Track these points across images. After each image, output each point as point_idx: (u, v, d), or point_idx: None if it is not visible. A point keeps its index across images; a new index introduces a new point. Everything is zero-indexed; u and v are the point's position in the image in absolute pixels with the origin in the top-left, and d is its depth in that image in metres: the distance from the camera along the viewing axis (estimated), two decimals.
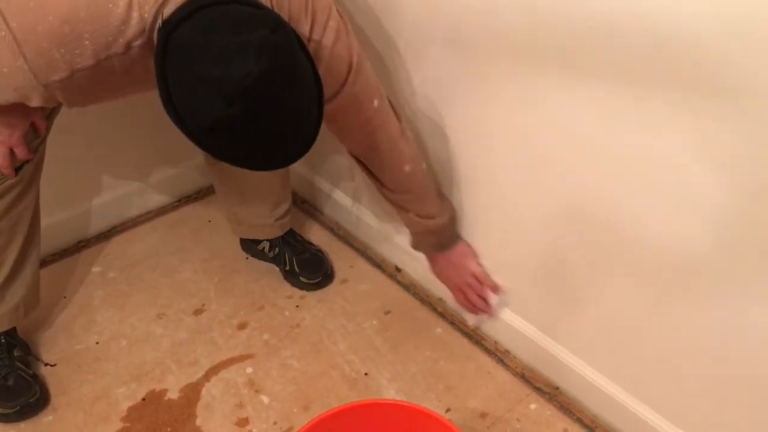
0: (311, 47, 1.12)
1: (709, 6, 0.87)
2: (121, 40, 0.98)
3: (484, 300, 1.45)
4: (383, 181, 1.37)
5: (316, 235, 1.86)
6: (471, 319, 1.53)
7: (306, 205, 1.97)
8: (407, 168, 1.34)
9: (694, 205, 1.02)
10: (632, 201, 1.11)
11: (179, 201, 1.99)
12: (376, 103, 1.25)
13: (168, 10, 0.95)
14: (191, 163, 1.95)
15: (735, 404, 1.11)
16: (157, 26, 0.96)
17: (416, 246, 1.49)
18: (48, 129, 1.33)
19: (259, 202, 1.64)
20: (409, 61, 1.39)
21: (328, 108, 1.19)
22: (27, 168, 1.33)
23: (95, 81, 1.03)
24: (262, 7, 0.98)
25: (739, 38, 0.86)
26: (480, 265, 1.45)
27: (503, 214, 1.36)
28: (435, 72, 1.34)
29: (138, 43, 0.99)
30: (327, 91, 1.16)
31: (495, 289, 1.45)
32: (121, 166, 1.87)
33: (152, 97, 0.98)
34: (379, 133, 1.28)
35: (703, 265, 1.05)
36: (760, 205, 0.94)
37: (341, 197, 1.83)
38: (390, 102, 1.30)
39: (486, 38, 1.19)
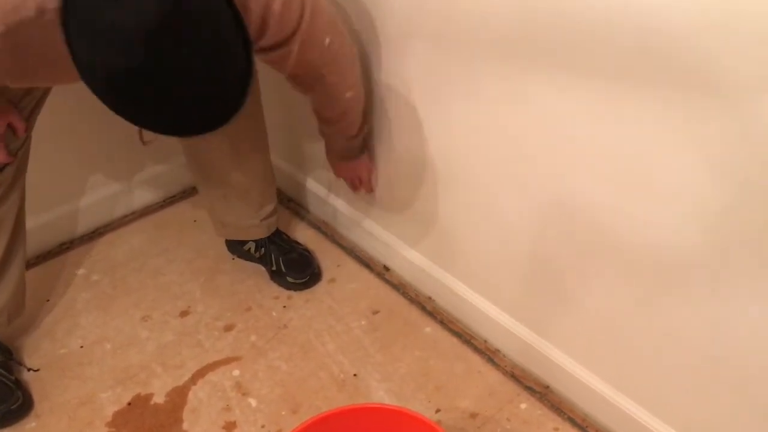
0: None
1: (697, 4, 0.85)
2: (30, 2, 0.88)
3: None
4: (322, 113, 1.41)
5: (303, 235, 1.84)
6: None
7: (293, 203, 1.95)
8: (348, 94, 1.34)
9: (682, 203, 1.01)
10: (620, 199, 1.10)
11: (164, 201, 1.97)
12: (328, 39, 1.21)
13: None
14: (175, 162, 1.93)
15: (724, 401, 1.11)
16: None
17: (329, 154, 1.56)
18: (29, 130, 1.30)
19: (243, 202, 1.61)
20: (393, 55, 1.37)
21: (283, 51, 1.15)
22: (8, 171, 1.30)
23: (13, 54, 0.93)
24: None
25: (726, 36, 0.85)
26: (372, 177, 1.61)
27: (490, 212, 1.35)
28: (420, 67, 1.32)
29: (53, 6, 0.86)
30: (274, 39, 1.11)
31: (368, 189, 1.63)
32: (104, 167, 1.84)
33: None
34: (328, 68, 1.26)
35: (691, 263, 1.04)
36: (747, 202, 0.93)
37: (328, 195, 1.81)
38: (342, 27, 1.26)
39: (473, 34, 1.18)
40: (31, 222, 1.54)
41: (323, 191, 1.83)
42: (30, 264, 1.75)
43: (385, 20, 1.34)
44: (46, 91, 1.34)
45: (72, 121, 1.71)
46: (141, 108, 0.87)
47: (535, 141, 1.18)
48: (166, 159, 1.94)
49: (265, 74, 1.28)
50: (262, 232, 1.68)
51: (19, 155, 1.32)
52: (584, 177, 1.13)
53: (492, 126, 1.25)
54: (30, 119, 1.30)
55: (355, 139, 1.48)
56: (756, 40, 0.83)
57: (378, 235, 1.69)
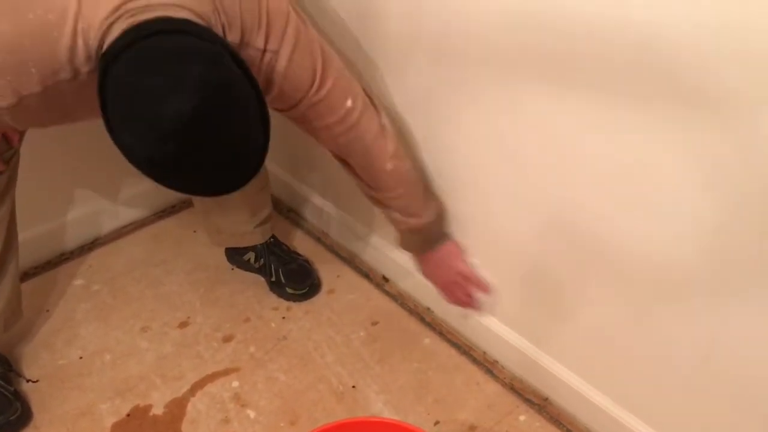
0: (266, 59, 1.10)
1: (694, 18, 0.86)
2: (68, 67, 0.96)
3: (472, 297, 1.43)
4: (365, 180, 1.33)
5: (303, 245, 1.84)
6: (461, 311, 1.50)
7: (292, 214, 1.95)
8: (389, 165, 1.29)
9: (679, 217, 1.01)
10: (618, 212, 1.10)
11: (163, 211, 1.97)
12: (349, 103, 1.21)
13: (111, 37, 0.92)
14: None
15: (721, 413, 1.11)
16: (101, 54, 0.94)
17: (403, 245, 1.45)
18: (21, 140, 1.31)
19: (237, 209, 1.62)
20: (393, 69, 1.37)
21: (292, 115, 1.18)
22: (1, 179, 1.30)
23: (45, 105, 1.01)
24: (205, 34, 0.95)
25: (725, 51, 0.85)
26: (468, 263, 1.42)
27: (488, 224, 1.35)
28: (419, 81, 1.33)
29: (86, 69, 0.97)
30: (287, 102, 1.15)
31: (482, 287, 1.41)
32: (104, 177, 1.84)
33: None
34: (355, 131, 1.24)
35: (688, 277, 1.05)
36: (744, 217, 0.94)
37: (328, 206, 1.82)
38: (369, 96, 1.26)
39: (471, 48, 1.18)
40: (30, 232, 1.55)
41: (322, 201, 1.83)
42: (29, 274, 1.75)
43: (385, 36, 1.34)
44: None
45: (72, 130, 1.71)
46: (177, 185, 0.99)
47: (534, 154, 1.19)
48: None
49: None
50: (257, 239, 1.68)
51: (11, 164, 1.32)
52: (582, 190, 1.14)
53: (490, 139, 1.25)
54: (23, 130, 1.30)
55: (422, 226, 1.37)
56: (754, 56, 0.83)
57: (377, 245, 1.69)
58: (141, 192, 1.92)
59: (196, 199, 1.68)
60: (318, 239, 1.86)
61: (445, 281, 1.44)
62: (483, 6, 1.12)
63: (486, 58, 1.17)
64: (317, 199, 1.85)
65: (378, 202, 1.37)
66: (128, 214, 1.92)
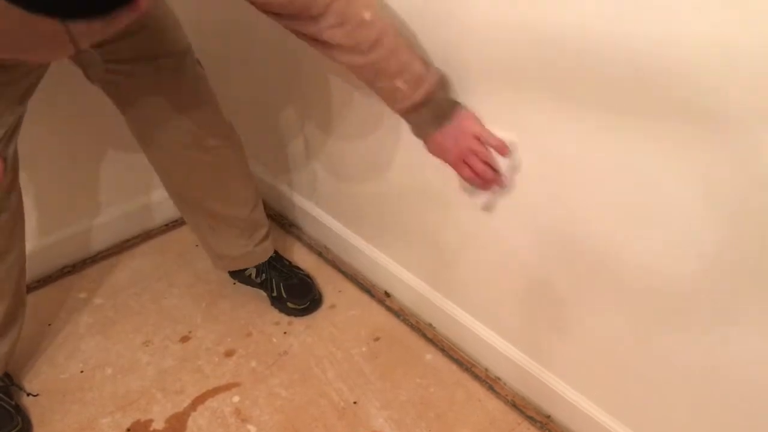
0: None
1: (694, 35, 0.86)
2: None
3: (492, 168, 1.21)
4: (340, 42, 1.11)
5: (305, 260, 1.84)
6: (482, 198, 1.28)
7: (294, 228, 1.95)
8: (367, 15, 1.09)
9: (680, 233, 1.01)
10: (619, 228, 1.10)
11: (166, 225, 1.98)
12: None
13: None
14: (157, 196, 1.93)
15: (725, 430, 1.10)
16: None
17: (417, 130, 1.23)
18: (8, 158, 1.26)
19: (232, 232, 1.61)
20: None
21: None
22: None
23: None
24: None
25: (724, 69, 0.85)
26: (482, 126, 1.20)
27: (489, 240, 1.35)
28: None
29: None
30: None
31: (501, 149, 1.18)
32: (105, 191, 1.85)
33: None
34: None
35: (690, 293, 1.04)
36: (745, 234, 0.93)
37: (330, 220, 1.82)
38: None
39: (472, 61, 1.18)
40: (32, 245, 1.55)
41: (325, 216, 1.84)
42: (31, 287, 1.75)
43: None
44: (18, 123, 1.29)
45: (73, 145, 1.72)
46: None
47: (534, 169, 1.19)
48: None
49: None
50: (259, 258, 1.68)
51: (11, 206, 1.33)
52: (583, 205, 1.14)
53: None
54: (8, 145, 1.25)
55: (431, 92, 1.16)
56: (753, 74, 0.83)
57: (379, 260, 1.70)
58: (143, 206, 1.93)
59: (190, 224, 1.67)
60: (319, 254, 1.86)
61: (459, 151, 1.21)
62: (484, 19, 1.12)
63: (486, 71, 1.17)
64: (320, 214, 1.85)
65: (367, 72, 1.17)
66: (130, 228, 1.93)
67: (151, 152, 1.50)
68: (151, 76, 1.36)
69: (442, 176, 1.38)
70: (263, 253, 1.67)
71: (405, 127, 1.38)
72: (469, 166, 1.21)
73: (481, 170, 1.20)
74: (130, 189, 1.90)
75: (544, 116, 1.11)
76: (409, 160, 1.43)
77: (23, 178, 1.38)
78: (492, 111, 1.20)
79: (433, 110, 1.18)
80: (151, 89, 1.37)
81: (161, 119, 1.41)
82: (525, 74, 1.11)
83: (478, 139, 1.19)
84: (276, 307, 1.70)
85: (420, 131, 1.23)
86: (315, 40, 1.13)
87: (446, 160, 1.23)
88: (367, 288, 1.74)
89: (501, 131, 1.18)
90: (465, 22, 1.16)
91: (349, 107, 1.52)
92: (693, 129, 0.92)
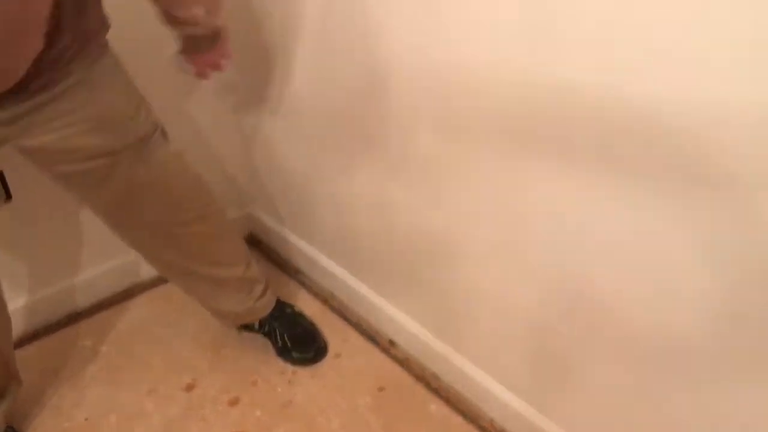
0: None
1: (698, 99, 0.88)
2: None
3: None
4: None
5: (310, 306, 1.85)
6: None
7: (299, 274, 1.96)
8: None
9: (683, 290, 1.02)
10: (622, 283, 1.11)
11: None
12: None
13: None
14: None
15: None
16: None
17: (189, 48, 1.36)
18: None
19: (228, 292, 1.59)
20: (398, 141, 1.40)
21: None
22: None
23: None
24: None
25: (729, 132, 0.87)
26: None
27: (493, 291, 1.36)
28: (424, 152, 1.35)
29: None
30: None
31: (227, 54, 1.40)
32: (110, 239, 1.85)
33: None
34: None
35: (692, 349, 1.05)
36: (747, 293, 0.94)
37: (335, 267, 1.83)
38: None
39: (475, 122, 1.21)
40: (39, 293, 1.56)
41: (330, 263, 1.85)
42: (38, 335, 1.76)
43: (389, 107, 1.37)
44: None
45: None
46: None
47: (538, 224, 1.20)
48: None
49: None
50: (261, 312, 1.66)
51: None
52: (586, 260, 1.15)
53: (495, 207, 1.27)
54: None
55: (221, 25, 1.31)
56: (755, 137, 0.85)
57: (384, 308, 1.70)
58: None
59: (185, 291, 1.63)
60: (325, 301, 1.87)
61: (205, 62, 1.40)
62: (485, 80, 1.14)
63: (490, 131, 1.19)
64: (324, 261, 1.86)
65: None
66: (136, 275, 1.94)
67: (123, 238, 1.47)
68: (105, 170, 1.27)
69: (449, 226, 1.40)
70: (264, 308, 1.66)
71: (412, 175, 1.41)
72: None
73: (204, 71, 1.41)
74: None
75: (547, 175, 1.13)
76: (417, 208, 1.45)
77: (27, 228, 1.39)
78: (495, 171, 1.22)
79: (213, 36, 1.34)
80: (108, 184, 1.29)
81: (128, 210, 1.37)
82: (528, 135, 1.12)
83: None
84: (281, 357, 1.70)
85: (192, 49, 1.36)
86: None
87: (201, 66, 1.40)
88: (371, 336, 1.75)
89: None
90: (466, 82, 1.18)
91: (354, 153, 1.54)
92: (696, 190, 0.94)
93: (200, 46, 1.35)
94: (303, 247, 1.92)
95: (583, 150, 1.06)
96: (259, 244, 2.08)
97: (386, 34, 1.31)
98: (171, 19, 1.25)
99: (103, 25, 1.21)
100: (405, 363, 1.67)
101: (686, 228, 0.98)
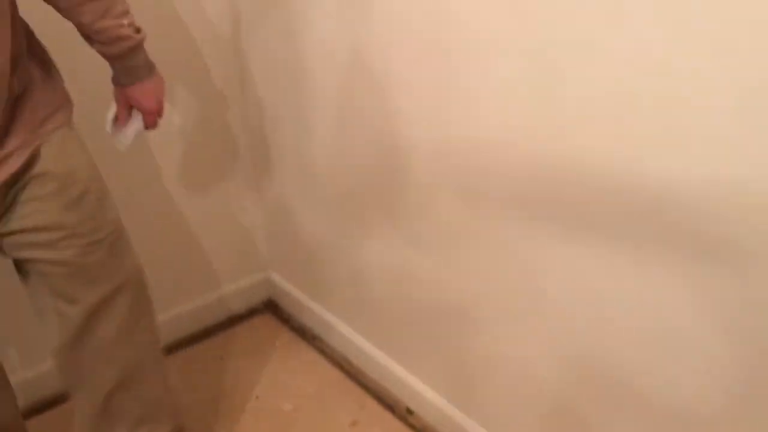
0: None
1: (704, 169, 0.90)
2: None
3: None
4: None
5: (327, 373, 1.84)
6: (125, 136, 1.38)
7: (317, 341, 1.96)
8: None
9: (701, 362, 1.02)
10: (640, 354, 1.11)
11: (191, 336, 1.99)
12: None
13: None
14: (196, 301, 1.96)
15: None
16: None
17: (126, 76, 1.28)
18: None
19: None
20: (416, 210, 1.41)
21: None
22: None
23: None
24: None
25: (739, 206, 0.89)
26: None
27: (512, 359, 1.36)
28: (443, 219, 1.37)
29: None
30: None
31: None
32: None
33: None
34: None
35: (711, 417, 1.05)
36: (761, 360, 0.95)
37: (353, 334, 1.82)
38: None
39: (495, 190, 1.22)
40: (49, 364, 1.53)
41: (347, 329, 1.84)
42: (49, 404, 1.75)
43: (410, 172, 1.40)
44: None
45: None
46: None
47: (557, 294, 1.21)
48: (171, 305, 1.93)
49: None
50: None
51: None
52: (603, 329, 1.15)
53: (512, 275, 1.28)
54: None
55: (141, 42, 1.23)
56: (762, 207, 0.87)
57: (402, 376, 1.69)
58: (163, 322, 1.94)
59: None
60: (342, 367, 1.86)
61: (158, 102, 1.34)
62: (503, 151, 1.17)
63: (508, 201, 1.21)
64: (342, 327, 1.86)
65: (106, 11, 1.18)
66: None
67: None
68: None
69: (467, 293, 1.40)
70: None
71: (430, 243, 1.42)
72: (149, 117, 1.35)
73: (153, 123, 1.36)
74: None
75: (565, 244, 1.14)
76: (437, 275, 1.45)
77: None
78: (514, 238, 1.23)
79: (146, 57, 1.28)
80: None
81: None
82: (547, 206, 1.15)
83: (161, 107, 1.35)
84: None
85: (132, 75, 1.28)
86: None
87: (143, 104, 1.32)
88: (389, 404, 1.73)
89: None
90: (486, 152, 1.20)
91: (372, 221, 1.55)
92: (712, 263, 0.95)
93: (138, 73, 1.29)
94: (321, 313, 1.92)
95: (600, 219, 1.07)
96: (276, 310, 2.08)
97: (405, 112, 1.35)
98: (91, 33, 1.20)
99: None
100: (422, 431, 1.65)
101: (704, 302, 0.99)
